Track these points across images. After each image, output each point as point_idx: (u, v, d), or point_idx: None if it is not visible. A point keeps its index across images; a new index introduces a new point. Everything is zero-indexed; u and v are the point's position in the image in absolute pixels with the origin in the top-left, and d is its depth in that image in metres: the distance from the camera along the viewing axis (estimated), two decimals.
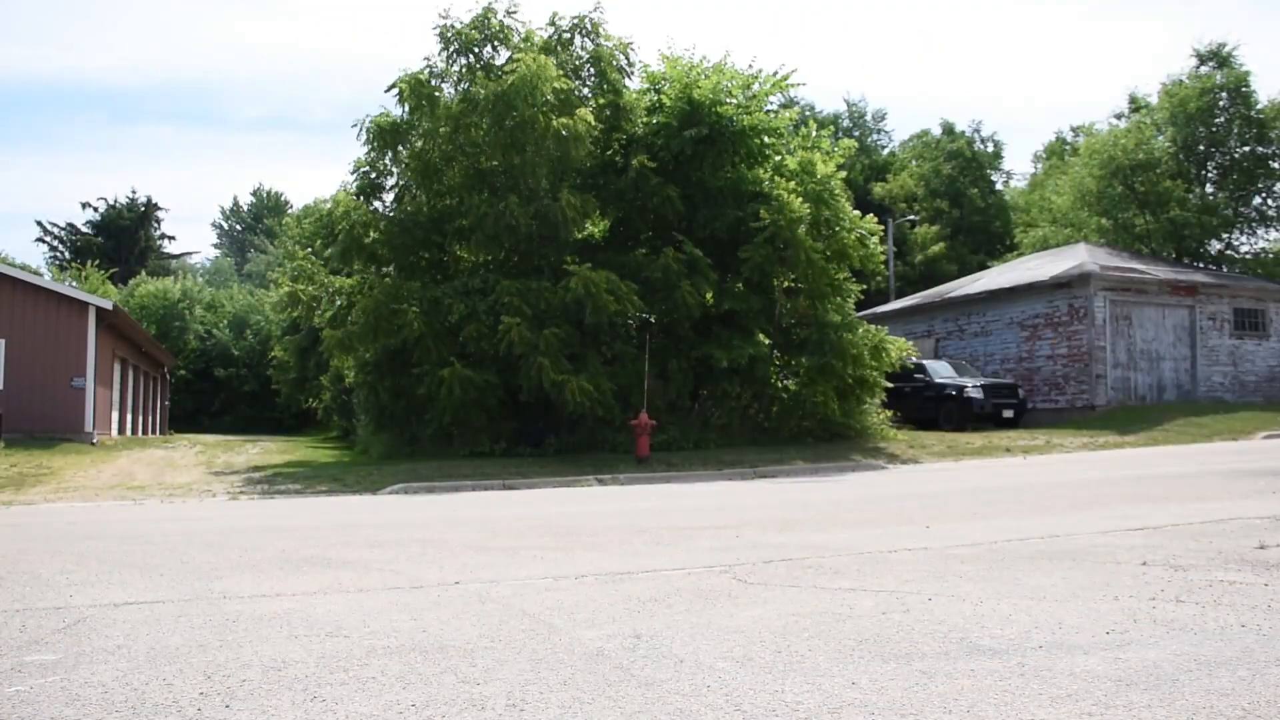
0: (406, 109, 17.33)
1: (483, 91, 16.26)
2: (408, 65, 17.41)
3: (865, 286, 19.54)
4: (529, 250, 17.36)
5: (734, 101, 17.86)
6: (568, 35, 17.81)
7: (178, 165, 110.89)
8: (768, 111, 18.39)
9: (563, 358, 15.59)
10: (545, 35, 17.78)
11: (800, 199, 16.86)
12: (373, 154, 17.95)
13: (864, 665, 2.72)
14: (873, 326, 18.73)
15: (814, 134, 19.16)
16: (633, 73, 18.35)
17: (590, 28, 17.85)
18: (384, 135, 17.42)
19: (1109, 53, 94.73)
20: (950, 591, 3.75)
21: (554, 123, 15.90)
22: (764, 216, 16.68)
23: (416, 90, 16.93)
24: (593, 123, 16.39)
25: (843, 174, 18.32)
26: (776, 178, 17.86)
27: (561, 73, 16.44)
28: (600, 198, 17.88)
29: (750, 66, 18.67)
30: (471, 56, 17.53)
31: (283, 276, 22.09)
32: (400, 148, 17.88)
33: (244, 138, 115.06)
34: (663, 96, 18.29)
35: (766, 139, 18.33)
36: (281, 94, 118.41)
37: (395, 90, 17.04)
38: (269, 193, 76.86)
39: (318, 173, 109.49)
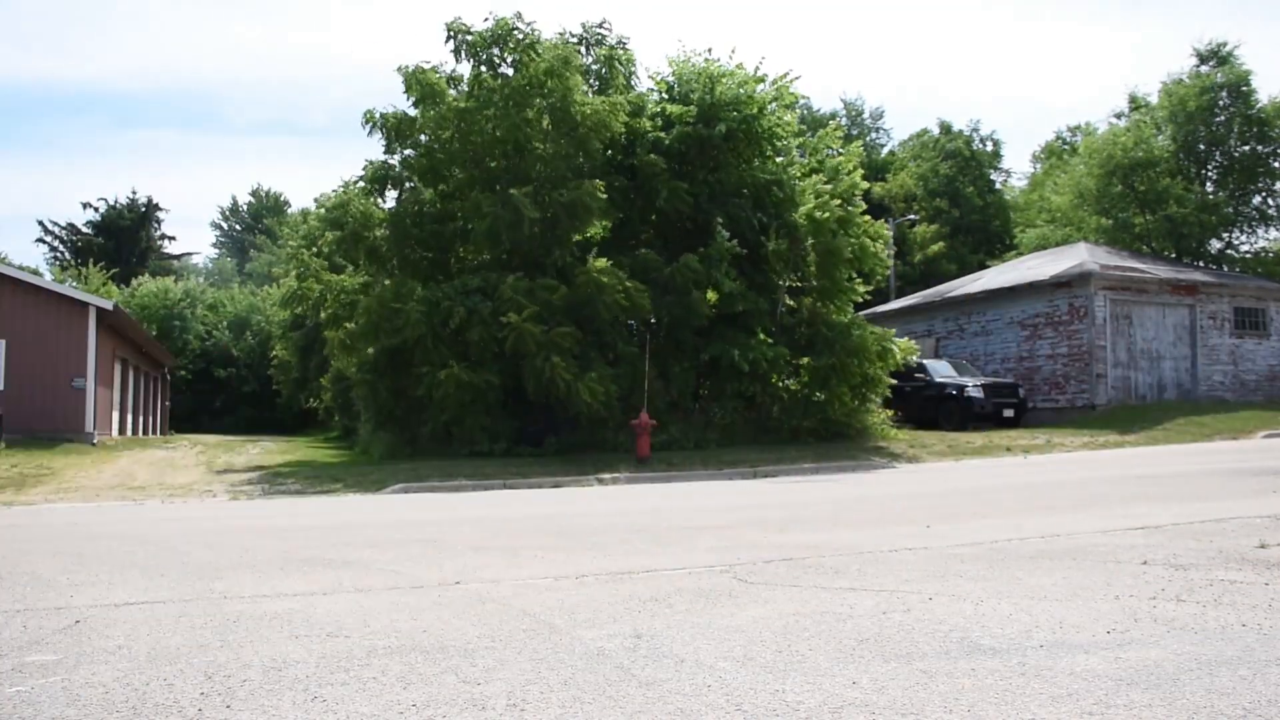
0: (412, 105, 17.39)
1: (500, 82, 16.41)
2: (408, 69, 17.46)
3: (869, 287, 19.61)
4: (531, 249, 17.35)
5: (759, 96, 18.03)
6: (574, 44, 18.05)
7: (178, 168, 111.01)
8: (775, 116, 18.54)
9: (570, 357, 15.62)
10: (553, 41, 17.93)
11: (838, 201, 17.10)
12: (384, 146, 18.01)
13: (865, 665, 2.71)
14: (876, 327, 18.80)
15: (828, 134, 19.35)
16: (636, 79, 18.67)
17: (595, 39, 18.39)
18: (391, 129, 17.44)
19: (1109, 53, 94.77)
20: (951, 591, 3.75)
21: (585, 105, 16.10)
22: (800, 216, 16.86)
23: (424, 84, 16.95)
24: (625, 105, 16.55)
25: (866, 184, 18.66)
26: (810, 176, 18.00)
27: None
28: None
29: (756, 70, 18.80)
30: (480, 59, 17.57)
31: (290, 266, 22.19)
32: (405, 148, 17.90)
33: (244, 141, 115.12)
34: (676, 93, 18.52)
35: (777, 142, 18.49)
36: (281, 98, 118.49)
37: (403, 83, 17.10)
38: (268, 193, 76.70)
39: (316, 175, 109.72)
